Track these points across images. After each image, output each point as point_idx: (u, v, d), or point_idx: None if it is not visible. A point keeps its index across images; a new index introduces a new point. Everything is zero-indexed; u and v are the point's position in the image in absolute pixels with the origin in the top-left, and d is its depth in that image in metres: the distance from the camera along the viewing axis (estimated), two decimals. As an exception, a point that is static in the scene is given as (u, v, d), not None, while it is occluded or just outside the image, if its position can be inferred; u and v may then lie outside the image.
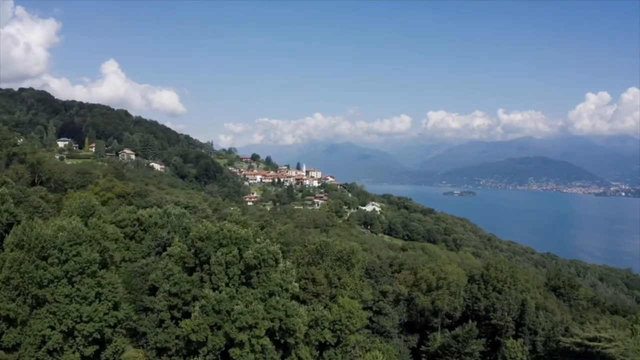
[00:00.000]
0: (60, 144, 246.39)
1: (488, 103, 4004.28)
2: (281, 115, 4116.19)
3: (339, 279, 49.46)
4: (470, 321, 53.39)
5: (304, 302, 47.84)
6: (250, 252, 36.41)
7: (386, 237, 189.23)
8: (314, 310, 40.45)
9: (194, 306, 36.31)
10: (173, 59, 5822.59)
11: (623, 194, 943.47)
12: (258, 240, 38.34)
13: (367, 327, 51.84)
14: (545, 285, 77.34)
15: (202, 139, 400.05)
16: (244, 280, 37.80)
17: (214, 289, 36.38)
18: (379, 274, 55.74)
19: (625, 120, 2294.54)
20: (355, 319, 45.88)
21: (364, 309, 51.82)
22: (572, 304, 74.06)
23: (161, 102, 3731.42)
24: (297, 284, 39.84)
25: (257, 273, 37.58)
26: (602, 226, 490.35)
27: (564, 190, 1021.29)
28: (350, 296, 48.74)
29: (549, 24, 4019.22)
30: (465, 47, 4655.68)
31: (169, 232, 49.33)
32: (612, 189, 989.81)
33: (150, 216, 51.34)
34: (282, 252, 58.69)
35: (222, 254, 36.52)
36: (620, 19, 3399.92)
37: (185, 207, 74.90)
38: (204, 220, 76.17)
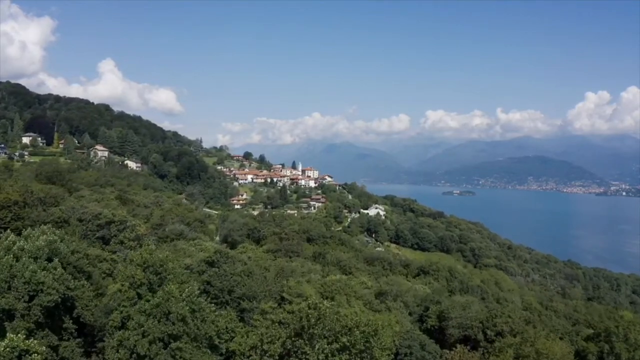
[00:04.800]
0: (25, 139, 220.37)
1: (487, 102, 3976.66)
2: (279, 115, 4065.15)
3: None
4: None
5: None
6: None
7: (393, 245, 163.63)
8: None
9: None
10: (171, 58, 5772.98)
11: (624, 193, 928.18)
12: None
13: None
14: None
15: (199, 137, 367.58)
16: None
17: None
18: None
19: (624, 120, 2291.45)
20: None
21: None
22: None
23: (159, 102, 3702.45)
24: None
25: None
26: (606, 226, 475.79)
27: (564, 190, 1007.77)
28: None
29: (548, 22, 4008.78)
30: (464, 46, 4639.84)
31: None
32: (612, 188, 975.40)
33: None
34: (241, 319, 33.01)
35: None
36: (620, 19, 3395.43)
37: (109, 223, 49.22)
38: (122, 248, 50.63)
